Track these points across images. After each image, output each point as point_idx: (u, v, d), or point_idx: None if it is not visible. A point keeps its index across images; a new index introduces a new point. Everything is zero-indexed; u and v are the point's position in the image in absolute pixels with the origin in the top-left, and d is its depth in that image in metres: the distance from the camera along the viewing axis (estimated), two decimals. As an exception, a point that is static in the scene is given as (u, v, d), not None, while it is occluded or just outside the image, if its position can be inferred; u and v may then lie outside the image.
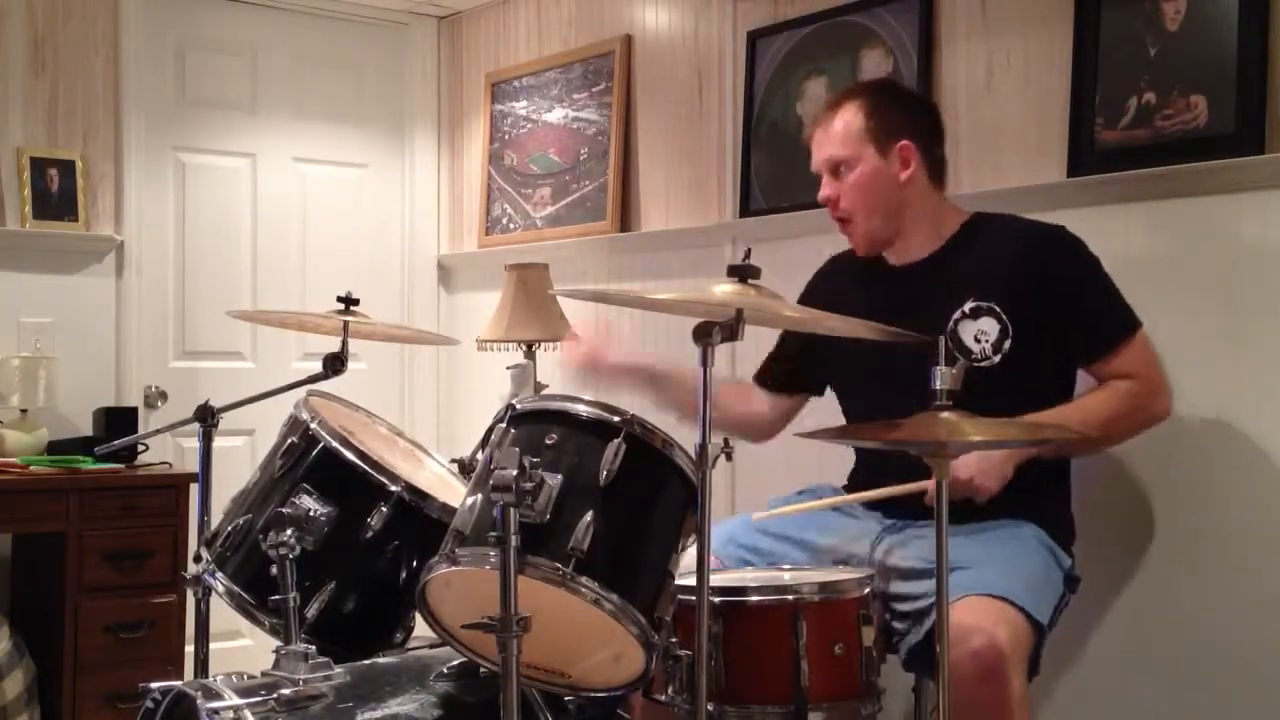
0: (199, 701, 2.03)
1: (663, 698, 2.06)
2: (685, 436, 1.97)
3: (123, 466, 3.85)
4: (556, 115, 4.43)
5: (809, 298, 2.68)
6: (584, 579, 1.88)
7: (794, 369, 2.74)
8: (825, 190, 2.55)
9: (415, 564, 2.35)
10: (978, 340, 2.40)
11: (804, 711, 2.05)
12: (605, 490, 1.94)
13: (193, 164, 4.50)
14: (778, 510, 2.48)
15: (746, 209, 3.68)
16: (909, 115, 2.55)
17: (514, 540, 1.78)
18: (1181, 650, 2.68)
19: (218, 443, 2.72)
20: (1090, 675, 2.82)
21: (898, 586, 2.29)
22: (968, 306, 2.42)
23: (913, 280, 2.52)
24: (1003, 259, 2.44)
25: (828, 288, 2.69)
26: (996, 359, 2.38)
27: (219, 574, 2.40)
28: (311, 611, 2.30)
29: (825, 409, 2.72)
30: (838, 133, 2.52)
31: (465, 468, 2.09)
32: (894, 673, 2.27)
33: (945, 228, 2.53)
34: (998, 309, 2.40)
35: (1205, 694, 2.65)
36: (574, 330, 2.52)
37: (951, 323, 2.41)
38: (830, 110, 2.56)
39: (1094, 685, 2.82)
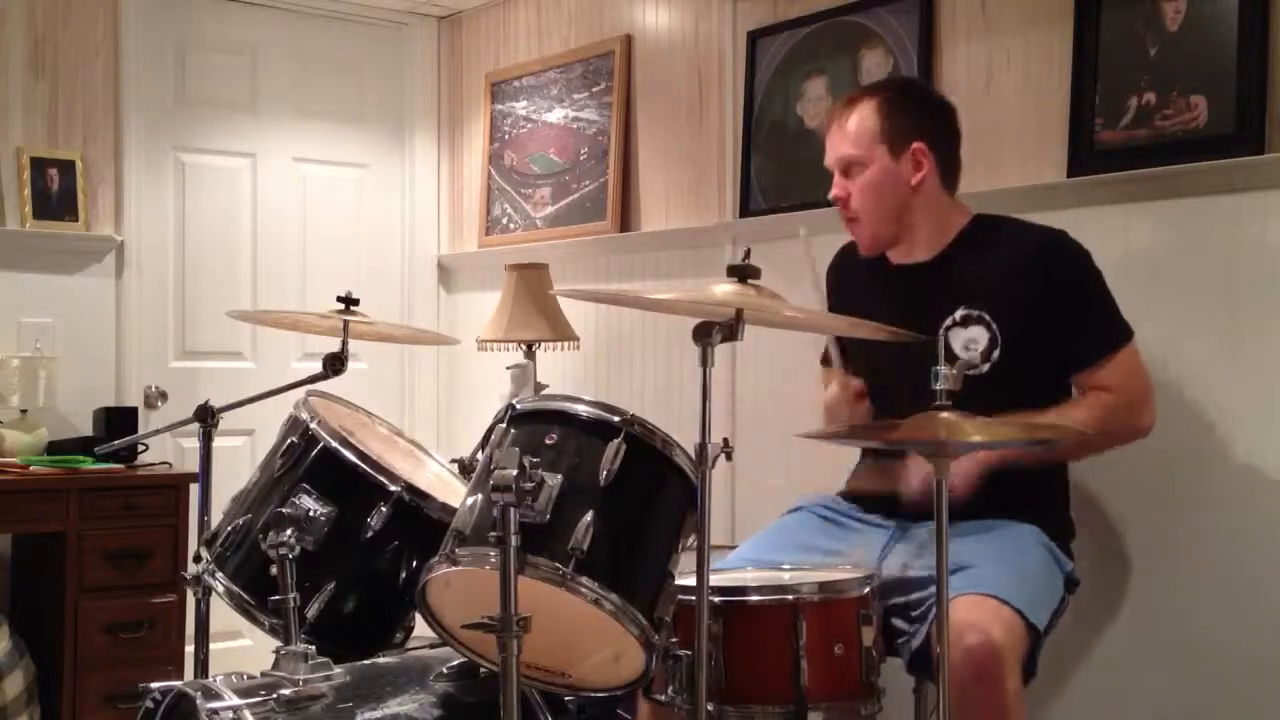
0: (199, 701, 2.03)
1: (663, 698, 2.06)
2: (687, 438, 1.97)
3: (123, 466, 3.84)
4: (556, 115, 4.42)
5: (833, 293, 2.65)
6: (584, 579, 1.88)
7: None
8: (836, 189, 2.52)
9: (415, 564, 2.35)
10: (967, 349, 2.38)
11: (804, 711, 2.04)
12: (605, 490, 1.94)
13: (193, 164, 4.50)
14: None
15: (746, 209, 3.68)
16: (925, 117, 2.51)
17: (514, 540, 1.78)
18: (1184, 652, 2.68)
19: (218, 443, 2.72)
20: (1092, 677, 2.82)
21: (904, 591, 2.28)
22: (958, 314, 2.40)
23: (911, 282, 2.50)
24: (1002, 267, 2.41)
25: (843, 281, 2.66)
26: (985, 368, 2.36)
27: (219, 574, 2.41)
28: (311, 611, 2.30)
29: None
30: (851, 132, 2.48)
31: (465, 468, 2.09)
32: (894, 673, 2.27)
33: (948, 230, 2.49)
34: (987, 318, 2.38)
35: (1208, 697, 2.64)
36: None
37: (942, 330, 2.38)
38: (847, 107, 2.52)
39: (1096, 688, 2.82)
